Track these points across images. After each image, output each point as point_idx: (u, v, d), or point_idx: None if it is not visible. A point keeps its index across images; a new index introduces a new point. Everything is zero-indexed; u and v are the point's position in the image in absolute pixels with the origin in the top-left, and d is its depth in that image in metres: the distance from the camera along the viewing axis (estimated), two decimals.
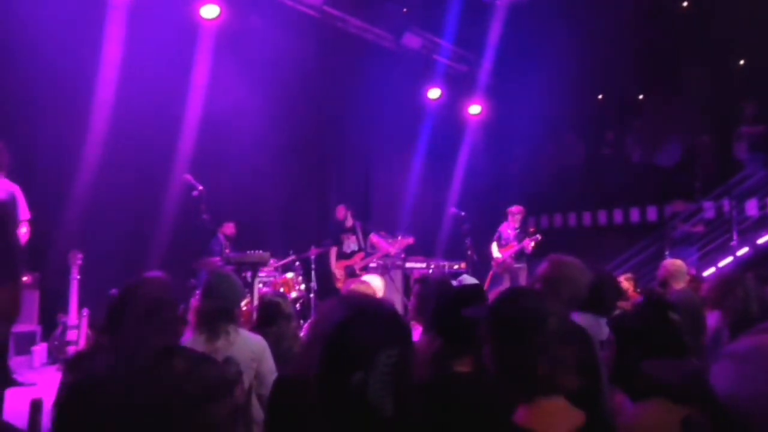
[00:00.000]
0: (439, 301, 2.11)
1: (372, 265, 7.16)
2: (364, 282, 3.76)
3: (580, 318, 2.64)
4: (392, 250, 7.22)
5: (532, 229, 8.18)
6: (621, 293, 3.93)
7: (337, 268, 7.20)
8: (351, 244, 7.24)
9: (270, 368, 2.63)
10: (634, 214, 10.01)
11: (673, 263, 4.64)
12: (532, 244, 7.50)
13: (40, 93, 5.52)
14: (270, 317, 3.13)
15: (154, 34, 6.04)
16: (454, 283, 3.17)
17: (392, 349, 1.03)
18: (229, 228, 7.05)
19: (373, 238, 7.15)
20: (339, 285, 7.12)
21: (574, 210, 10.65)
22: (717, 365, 1.18)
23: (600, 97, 11.09)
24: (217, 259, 5.46)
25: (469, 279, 3.78)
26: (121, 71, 6.07)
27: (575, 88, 9.96)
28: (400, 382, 1.03)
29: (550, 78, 8.94)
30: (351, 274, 7.02)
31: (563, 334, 1.27)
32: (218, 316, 2.58)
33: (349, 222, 7.24)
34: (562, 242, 9.62)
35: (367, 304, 1.12)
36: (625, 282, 5.94)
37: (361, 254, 7.08)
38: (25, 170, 4.57)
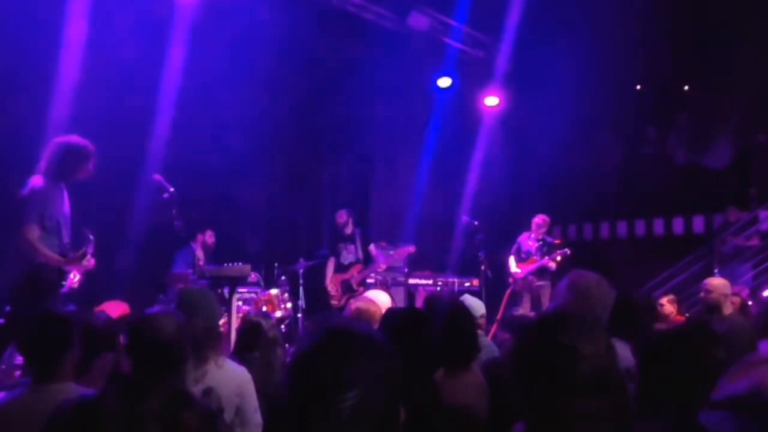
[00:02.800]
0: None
1: (370, 280, 7.24)
2: (368, 300, 3.84)
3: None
4: (389, 263, 7.29)
5: (558, 242, 8.25)
6: (654, 316, 4.00)
7: (331, 283, 7.26)
8: (349, 254, 7.32)
9: (253, 406, 2.69)
10: (678, 225, 10.05)
11: (719, 282, 4.69)
12: (557, 259, 7.58)
13: None
14: (250, 342, 3.19)
15: (122, 14, 6.18)
16: None
17: (349, 392, 1.04)
18: (209, 237, 7.15)
19: (373, 249, 7.23)
20: (334, 302, 7.20)
21: (608, 219, 10.70)
22: (716, 416, 1.19)
23: (638, 87, 11.13)
24: (190, 272, 5.56)
25: (470, 299, 3.88)
26: (85, 54, 6.20)
27: (610, 77, 10.01)
28: (361, 427, 1.03)
29: (579, 65, 9.00)
30: (347, 289, 7.09)
31: (599, 380, 1.24)
32: (206, 337, 2.66)
33: (349, 229, 7.32)
34: (592, 256, 9.76)
35: (336, 332, 1.15)
36: (668, 305, 5.99)
37: (359, 266, 7.15)
38: None
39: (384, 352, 1.15)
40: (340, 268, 7.30)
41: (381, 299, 4.00)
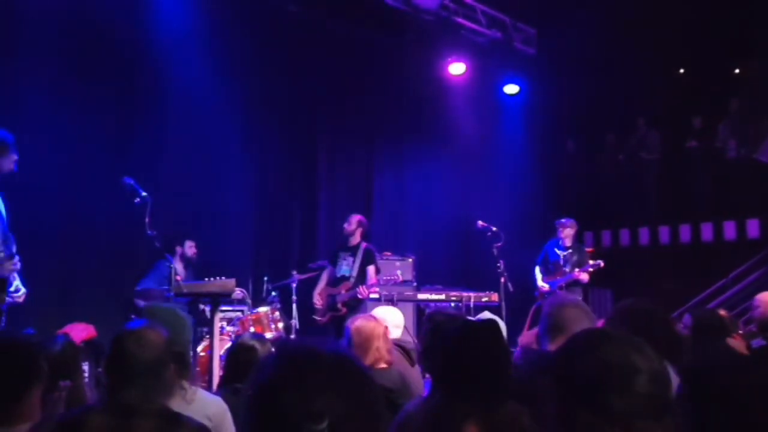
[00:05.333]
0: (436, 345, 2.21)
1: (373, 295, 7.22)
2: (371, 317, 3.91)
3: None
4: (389, 279, 7.24)
5: (590, 250, 8.22)
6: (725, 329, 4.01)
7: (319, 295, 7.24)
8: (343, 266, 7.31)
9: None
10: (729, 229, 10.00)
11: None
12: (590, 271, 7.57)
13: None
14: (241, 369, 3.22)
15: None
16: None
17: (322, 422, 1.07)
18: (188, 248, 7.19)
19: (371, 270, 7.18)
20: (317, 317, 7.20)
21: (647, 223, 10.66)
22: None
23: (682, 71, 11.12)
24: (166, 288, 5.58)
25: (488, 316, 3.88)
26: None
27: (648, 60, 10.00)
28: None
29: (612, 46, 9.01)
30: (332, 306, 7.09)
31: (655, 402, 1.27)
32: (175, 365, 2.66)
33: (356, 239, 7.31)
34: (630, 266, 9.72)
35: (300, 358, 1.16)
36: None
37: (347, 284, 7.14)
38: None
39: (355, 372, 1.18)
40: (333, 281, 7.29)
41: (390, 318, 4.10)
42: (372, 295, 7.16)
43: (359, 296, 6.97)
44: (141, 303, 6.04)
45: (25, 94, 6.24)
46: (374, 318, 3.87)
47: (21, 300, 4.45)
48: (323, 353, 1.18)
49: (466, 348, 2.21)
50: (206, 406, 2.71)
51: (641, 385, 1.26)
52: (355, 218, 7.30)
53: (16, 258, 4.18)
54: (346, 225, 7.29)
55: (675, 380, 2.67)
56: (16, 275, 4.47)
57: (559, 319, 2.81)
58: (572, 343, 1.42)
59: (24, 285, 4.56)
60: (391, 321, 4.23)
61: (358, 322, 3.73)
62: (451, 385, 2.13)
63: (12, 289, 4.37)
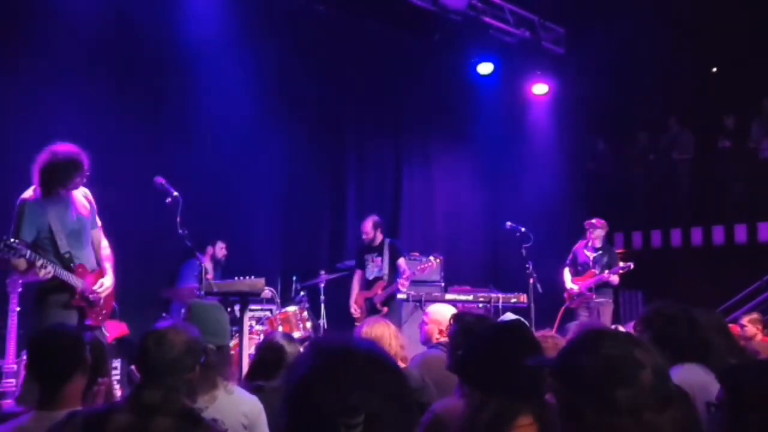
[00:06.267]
0: (465, 345, 2.22)
1: (401, 296, 7.23)
2: (378, 320, 3.99)
3: (686, 371, 2.72)
4: (420, 276, 7.25)
5: (620, 251, 8.13)
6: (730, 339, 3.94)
7: (355, 303, 7.29)
8: (374, 268, 7.33)
9: None
10: (764, 231, 9.86)
11: None
12: (619, 273, 7.49)
13: None
14: (269, 368, 3.27)
15: None
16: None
17: (356, 417, 1.11)
18: (219, 249, 7.28)
19: (402, 263, 7.21)
20: (358, 324, 7.23)
21: (679, 224, 10.55)
22: None
23: (715, 69, 10.96)
24: (196, 287, 5.64)
25: (511, 317, 3.86)
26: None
27: (680, 58, 9.89)
28: None
29: (643, 45, 8.91)
30: (372, 309, 7.11)
31: (659, 394, 1.28)
32: (217, 358, 2.73)
33: (378, 240, 7.35)
34: (661, 269, 9.60)
35: (335, 354, 1.19)
36: (750, 325, 5.89)
37: (382, 283, 7.16)
38: None
39: (389, 368, 1.21)
40: (366, 285, 7.32)
41: (444, 312, 4.08)
42: (399, 295, 7.18)
43: (401, 288, 7.00)
44: (173, 301, 6.13)
45: (56, 95, 6.33)
46: (382, 320, 4.00)
47: (103, 295, 4.54)
48: (357, 349, 1.21)
49: (508, 347, 2.22)
50: (243, 402, 2.76)
51: (646, 379, 1.28)
52: (369, 223, 7.34)
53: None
54: (364, 236, 7.35)
55: (707, 379, 2.64)
56: (109, 270, 4.62)
57: None
58: (574, 342, 1.46)
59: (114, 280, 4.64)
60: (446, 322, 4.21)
61: (365, 328, 3.83)
62: (496, 384, 2.13)
63: (96, 286, 4.45)
